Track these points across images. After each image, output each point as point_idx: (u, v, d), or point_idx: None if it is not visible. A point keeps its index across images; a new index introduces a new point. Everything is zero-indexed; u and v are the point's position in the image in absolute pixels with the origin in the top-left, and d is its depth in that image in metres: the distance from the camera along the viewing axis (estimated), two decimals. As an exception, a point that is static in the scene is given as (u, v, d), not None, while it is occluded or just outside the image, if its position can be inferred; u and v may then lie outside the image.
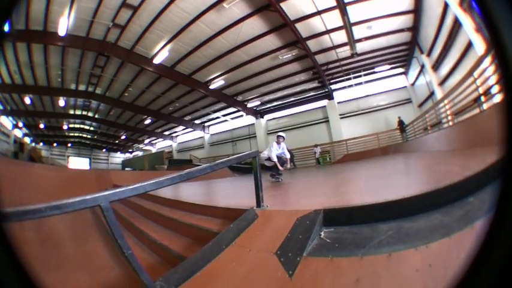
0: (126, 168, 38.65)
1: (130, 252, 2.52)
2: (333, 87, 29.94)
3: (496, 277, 0.99)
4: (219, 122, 40.77)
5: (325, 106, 31.11)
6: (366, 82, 28.45)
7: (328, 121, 30.82)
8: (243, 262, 2.76)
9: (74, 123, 45.41)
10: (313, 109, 32.27)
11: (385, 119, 27.30)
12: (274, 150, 9.68)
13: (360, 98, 29.27)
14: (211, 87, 27.91)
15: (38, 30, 20.97)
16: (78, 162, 53.74)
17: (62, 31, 20.34)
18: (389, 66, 26.64)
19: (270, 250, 2.63)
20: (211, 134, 42.00)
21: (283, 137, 10.06)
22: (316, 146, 27.67)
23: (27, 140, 46.92)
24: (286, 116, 34.58)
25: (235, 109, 34.92)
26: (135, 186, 2.79)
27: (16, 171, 14.04)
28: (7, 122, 39.71)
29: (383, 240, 2.43)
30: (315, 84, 29.28)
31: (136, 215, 6.77)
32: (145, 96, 32.75)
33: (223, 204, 5.22)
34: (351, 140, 27.73)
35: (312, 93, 31.12)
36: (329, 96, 30.41)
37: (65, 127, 46.15)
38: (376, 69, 26.99)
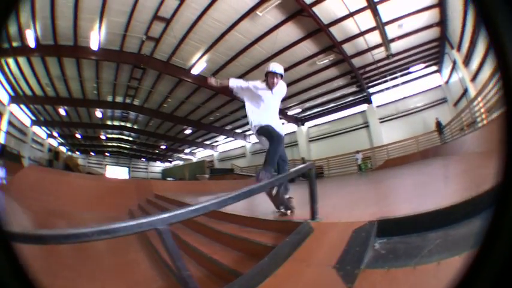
0: (168, 179, 38.83)
1: (188, 273, 2.35)
2: (371, 90, 29.36)
3: (496, 277, 0.99)
4: None
5: (364, 111, 30.53)
6: (403, 83, 27.55)
7: (368, 126, 30.24)
8: (301, 277, 2.60)
9: (112, 133, 46.31)
10: (353, 114, 31.68)
11: (423, 120, 26.50)
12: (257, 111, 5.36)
13: (397, 100, 28.48)
14: None
15: (68, 45, 21.73)
16: (117, 171, 54.90)
17: (94, 45, 20.88)
18: (423, 65, 25.96)
19: (328, 264, 2.47)
20: (253, 143, 41.67)
21: (280, 74, 5.23)
22: (357, 152, 27.24)
23: (62, 149, 48.23)
24: (327, 122, 34.04)
25: None
26: (196, 207, 2.61)
27: (51, 179, 14.16)
28: (40, 131, 41.21)
29: (432, 249, 2.37)
30: (353, 88, 28.77)
31: (180, 226, 6.37)
32: (185, 107, 33.03)
33: (275, 217, 4.91)
34: (391, 145, 27.06)
35: (351, 98, 30.60)
36: (368, 100, 29.89)
37: (102, 137, 47.17)
38: (411, 69, 26.29)
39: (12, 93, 31.62)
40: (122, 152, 55.86)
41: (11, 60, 25.50)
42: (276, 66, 5.22)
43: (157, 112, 34.53)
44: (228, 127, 39.74)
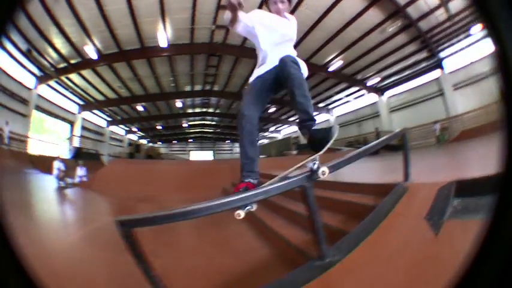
0: (260, 156, 39.19)
1: (321, 224, 3.09)
2: (442, 55, 27.51)
3: (495, 277, 1.04)
4: (342, 104, 39.47)
5: (438, 77, 28.57)
6: (468, 46, 26.46)
7: (442, 94, 28.50)
8: (400, 227, 3.34)
9: (194, 120, 47.25)
10: (428, 82, 29.57)
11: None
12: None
13: (467, 65, 26.05)
14: (330, 69, 27.96)
15: (134, 48, 22.93)
16: (200, 156, 55.16)
17: (162, 43, 21.68)
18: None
19: (420, 216, 3.13)
20: (337, 116, 40.35)
21: None
22: (436, 122, 25.89)
23: (143, 141, 49.88)
24: (405, 91, 31.89)
25: (356, 88, 34.22)
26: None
27: (136, 169, 14.72)
28: (118, 129, 43.35)
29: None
30: (424, 54, 27.89)
31: (282, 197, 6.55)
32: None
33: (372, 180, 5.78)
34: (467, 114, 25.27)
35: (424, 65, 29.38)
36: (439, 66, 28.00)
37: (184, 125, 48.26)
38: (471, 32, 25.08)
39: (81, 103, 33.80)
40: (205, 136, 56.12)
41: (73, 75, 27.68)
42: None
43: (239, 94, 34.06)
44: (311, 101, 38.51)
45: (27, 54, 24.40)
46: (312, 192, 3.01)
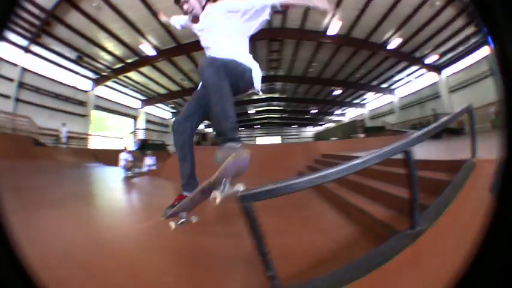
0: (331, 138, 38.56)
1: (418, 199, 3.18)
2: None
3: (496, 277, 1.03)
4: (404, 84, 37.61)
5: (488, 55, 27.15)
6: None
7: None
8: (472, 199, 3.40)
9: (260, 106, 47.48)
10: (479, 60, 26.41)
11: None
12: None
13: None
14: (389, 47, 26.87)
15: (193, 41, 22.88)
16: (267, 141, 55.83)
17: None
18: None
19: (487, 188, 2.89)
20: (400, 98, 38.77)
21: None
22: (491, 104, 22.93)
23: (209, 130, 50.98)
24: (462, 69, 29.09)
25: (416, 67, 32.33)
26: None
27: (205, 155, 14.95)
28: None
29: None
30: (471, 29, 26.56)
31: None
32: (330, 68, 32.49)
33: (442, 158, 5.93)
34: None
35: (475, 40, 28.15)
36: (487, 42, 26.63)
37: (251, 111, 48.66)
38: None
39: (143, 98, 35.91)
40: (271, 122, 56.95)
41: (132, 74, 28.92)
42: None
43: (304, 78, 34.71)
44: (374, 82, 37.88)
45: (77, 62, 25.76)
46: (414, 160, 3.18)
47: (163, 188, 11.84)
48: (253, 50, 25.12)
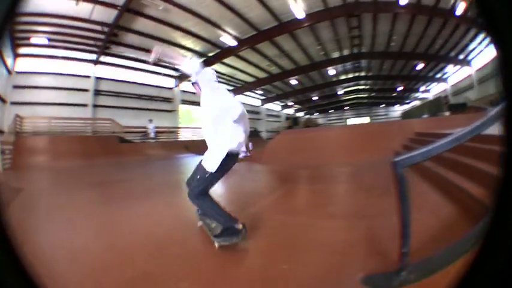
0: (424, 116, 37.42)
1: None
2: None
3: (496, 277, 1.00)
4: (478, 54, 33.12)
5: None
6: None
7: None
8: None
9: (348, 86, 46.46)
10: None
11: None
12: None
13: None
14: (457, 13, 23.81)
15: (272, 26, 23.42)
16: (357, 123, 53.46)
17: (299, 15, 21.32)
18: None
19: None
20: (476, 70, 34.29)
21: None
22: None
23: (300, 114, 50.69)
24: None
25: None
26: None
27: (302, 138, 14.50)
28: (274, 106, 45.80)
29: None
30: None
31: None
32: (410, 40, 30.60)
33: None
34: None
35: None
36: None
37: (339, 92, 47.92)
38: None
39: (230, 88, 35.29)
40: (360, 102, 55.59)
41: (216, 66, 28.47)
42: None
43: (386, 53, 33.22)
44: (452, 54, 34.63)
45: (156, 63, 26.19)
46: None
47: (261, 174, 11.69)
48: (333, 28, 25.09)
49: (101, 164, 16.42)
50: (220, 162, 3.56)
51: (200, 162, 3.82)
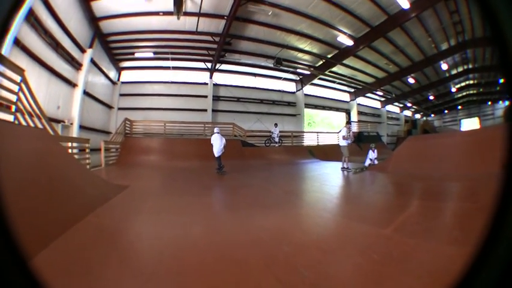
0: None
1: None
2: None
3: (496, 278, 0.98)
4: None
5: None
6: None
7: None
8: None
9: (459, 82, 43.21)
10: None
11: None
12: None
13: None
14: None
15: (381, 21, 22.99)
16: (470, 124, 49.63)
17: (405, 5, 20.66)
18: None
19: None
20: None
21: None
22: None
23: (417, 116, 48.88)
24: None
25: None
26: None
27: (434, 144, 13.47)
28: (393, 108, 44.76)
29: None
30: None
31: None
32: None
33: None
34: None
35: None
36: None
37: (453, 90, 45.02)
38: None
39: (351, 90, 37.53)
40: (470, 100, 50.19)
41: (335, 68, 29.66)
42: None
43: (486, 38, 30.47)
44: None
45: (277, 67, 26.72)
46: None
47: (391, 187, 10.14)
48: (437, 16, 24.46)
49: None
50: None
51: None
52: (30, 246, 2.89)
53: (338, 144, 16.36)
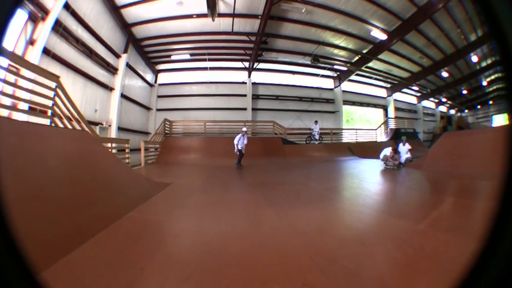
0: None
1: None
2: None
3: (497, 278, 0.99)
4: None
5: None
6: None
7: None
8: None
9: (489, 75, 40.82)
10: None
11: None
12: None
13: None
14: None
15: (413, 12, 22.57)
16: (501, 120, 48.95)
17: None
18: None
19: None
20: None
21: None
22: None
23: (452, 112, 47.98)
24: None
25: None
26: None
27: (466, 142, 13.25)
28: (429, 103, 43.87)
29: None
30: None
31: None
32: None
33: None
34: None
35: None
36: None
37: (484, 83, 43.00)
38: None
39: (388, 86, 37.19)
40: (501, 94, 49.51)
41: (371, 63, 29.55)
42: None
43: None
44: None
45: (314, 64, 27.63)
46: None
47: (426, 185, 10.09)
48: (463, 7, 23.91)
49: (263, 164, 17.15)
50: None
51: None
52: (69, 240, 3.39)
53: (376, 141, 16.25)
